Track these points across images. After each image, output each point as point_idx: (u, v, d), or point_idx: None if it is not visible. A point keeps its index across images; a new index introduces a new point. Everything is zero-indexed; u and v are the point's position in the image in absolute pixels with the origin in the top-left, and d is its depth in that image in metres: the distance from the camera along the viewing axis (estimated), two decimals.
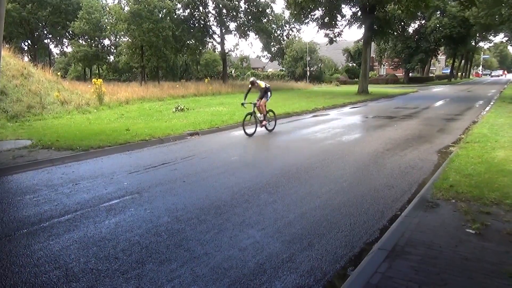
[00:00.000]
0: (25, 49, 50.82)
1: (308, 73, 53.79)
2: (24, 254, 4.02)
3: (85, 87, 21.56)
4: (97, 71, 56.49)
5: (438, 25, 50.89)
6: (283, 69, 60.51)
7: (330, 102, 22.00)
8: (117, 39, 48.58)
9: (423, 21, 53.31)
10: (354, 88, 34.12)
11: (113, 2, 39.83)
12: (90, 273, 3.61)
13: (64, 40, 53.01)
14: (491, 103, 20.68)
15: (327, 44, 34.92)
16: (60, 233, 4.53)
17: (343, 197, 5.70)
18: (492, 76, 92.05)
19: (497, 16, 29.26)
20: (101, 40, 50.17)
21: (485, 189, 5.39)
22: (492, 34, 55.03)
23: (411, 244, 3.90)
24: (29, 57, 47.74)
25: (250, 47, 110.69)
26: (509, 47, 77.98)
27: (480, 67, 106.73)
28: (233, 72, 64.28)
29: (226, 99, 23.51)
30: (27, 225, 4.78)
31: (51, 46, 56.57)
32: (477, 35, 56.09)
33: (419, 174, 6.94)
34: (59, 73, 23.74)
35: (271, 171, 7.22)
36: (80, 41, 49.48)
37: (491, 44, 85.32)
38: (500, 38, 60.67)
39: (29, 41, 49.88)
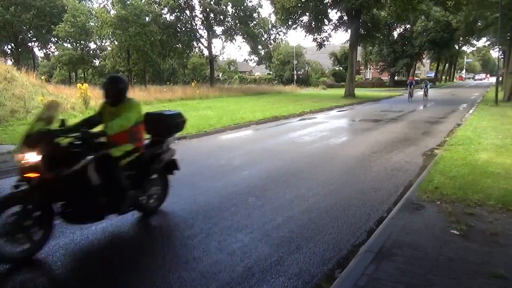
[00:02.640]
0: (8, 52, 49.97)
1: (295, 77, 54.08)
2: None
3: (71, 91, 21.25)
4: (82, 75, 55.84)
5: (422, 30, 51.73)
6: (271, 72, 60.73)
7: (317, 105, 22.14)
8: (103, 43, 48.13)
9: (408, 26, 54.12)
10: (341, 91, 34.41)
11: (99, 5, 39.55)
12: (77, 281, 3.56)
13: (49, 43, 52.31)
14: (475, 106, 21.10)
15: (317, 50, 35.07)
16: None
17: (330, 200, 5.75)
18: (475, 80, 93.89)
19: (479, 22, 29.94)
20: (87, 44, 49.65)
21: (469, 190, 5.50)
22: (475, 39, 56.15)
23: (397, 246, 3.96)
24: (13, 60, 46.93)
25: (238, 50, 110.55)
26: (491, 51, 79.69)
27: (464, 71, 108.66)
28: (220, 75, 64.25)
29: (213, 103, 23.48)
30: None
31: (35, 50, 55.84)
32: (460, 39, 57.14)
33: (404, 176, 7.04)
34: (43, 77, 23.41)
35: (259, 175, 7.23)
36: (65, 44, 48.87)
37: (474, 48, 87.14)
38: (482, 42, 61.93)
39: (12, 44, 49.05)
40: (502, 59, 41.14)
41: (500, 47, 29.11)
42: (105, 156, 4.27)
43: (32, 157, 3.73)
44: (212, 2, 38.02)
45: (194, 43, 40.66)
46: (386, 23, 44.91)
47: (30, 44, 52.22)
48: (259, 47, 41.89)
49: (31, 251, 3.89)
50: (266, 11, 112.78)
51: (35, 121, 4.04)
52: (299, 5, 28.40)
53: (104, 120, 4.61)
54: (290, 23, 32.11)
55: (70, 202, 4.10)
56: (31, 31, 49.13)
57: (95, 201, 4.11)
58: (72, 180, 3.93)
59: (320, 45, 33.53)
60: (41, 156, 3.74)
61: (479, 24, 30.03)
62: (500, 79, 30.67)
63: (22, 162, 3.78)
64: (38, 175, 3.73)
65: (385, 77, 62.79)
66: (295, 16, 30.98)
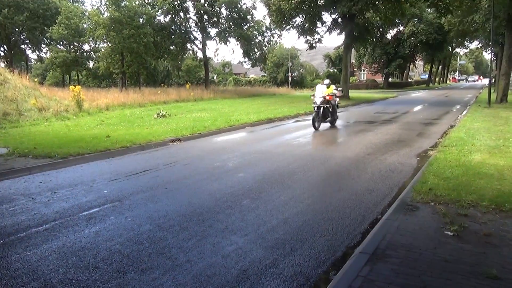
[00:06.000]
0: (1, 54, 49.56)
1: (290, 79, 54.15)
2: (0, 266, 3.90)
3: (64, 93, 21.13)
4: (76, 77, 55.48)
5: (414, 31, 52.09)
6: (265, 74, 60.78)
7: (312, 107, 22.15)
8: (97, 45, 47.85)
9: (401, 28, 54.51)
10: None
11: (92, 7, 39.35)
12: (69, 284, 3.53)
13: (42, 45, 51.95)
14: (468, 107, 21.25)
15: (306, 50, 35.26)
16: (38, 243, 4.42)
17: (325, 202, 5.75)
18: (468, 81, 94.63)
19: (469, 24, 30.22)
20: (81, 46, 49.35)
21: (462, 191, 5.53)
22: (468, 40, 56.61)
23: (391, 247, 3.96)
24: (5, 62, 46.54)
25: (232, 53, 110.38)
26: (484, 53, 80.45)
27: (457, 73, 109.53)
28: (215, 77, 64.18)
29: (208, 105, 23.44)
30: (3, 236, 4.65)
31: (28, 52, 55.41)
32: (453, 41, 57.60)
33: (399, 177, 7.06)
34: (36, 79, 23.26)
35: (254, 177, 7.22)
36: (59, 46, 48.54)
37: (467, 50, 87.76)
38: (475, 44, 62.41)
39: (5, 47, 48.62)
40: (494, 61, 41.54)
41: (492, 49, 29.32)
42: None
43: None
44: (206, 4, 38.00)
45: (188, 45, 40.59)
46: (377, 26, 45.29)
47: (23, 46, 51.82)
48: (255, 50, 41.88)
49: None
50: (260, 13, 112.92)
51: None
52: (296, 8, 28.52)
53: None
54: (284, 24, 32.22)
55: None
56: (24, 33, 48.76)
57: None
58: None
59: (311, 47, 33.69)
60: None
61: (471, 26, 30.32)
62: (493, 81, 30.93)
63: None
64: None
65: (379, 78, 63.10)
66: (289, 18, 31.08)
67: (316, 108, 13.47)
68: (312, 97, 14.04)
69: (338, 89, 16.05)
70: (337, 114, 14.84)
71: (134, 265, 3.86)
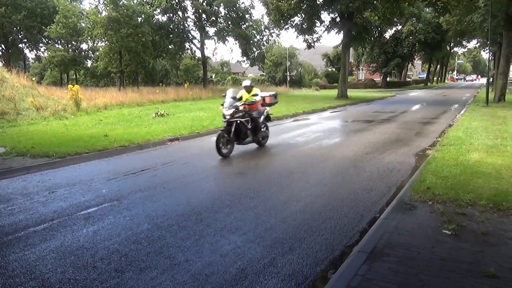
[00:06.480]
0: None
1: (288, 78, 54.16)
2: None
3: (62, 93, 21.09)
4: (74, 77, 55.36)
5: (412, 31, 52.18)
6: (264, 74, 60.77)
7: (310, 106, 22.20)
8: (95, 44, 47.74)
9: (399, 27, 54.57)
10: (334, 92, 34.54)
11: (90, 6, 39.27)
12: (68, 283, 3.52)
13: (40, 44, 51.80)
14: (466, 106, 21.29)
15: (305, 49, 35.28)
16: (36, 242, 4.41)
17: (323, 201, 5.76)
18: (466, 81, 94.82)
19: (467, 24, 30.28)
20: (79, 45, 49.23)
21: (460, 190, 5.54)
22: (466, 40, 56.73)
23: (389, 246, 3.97)
24: (3, 62, 46.39)
25: (230, 52, 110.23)
26: (482, 52, 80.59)
27: (455, 72, 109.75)
28: (213, 77, 64.13)
29: (206, 104, 23.43)
30: (1, 235, 4.64)
31: (26, 51, 55.23)
32: (452, 40, 57.72)
33: (397, 177, 7.07)
34: (34, 78, 23.18)
35: (252, 176, 7.23)
36: (57, 45, 48.41)
37: (465, 50, 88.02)
38: (473, 43, 62.55)
39: (2, 46, 48.47)
40: (492, 61, 41.62)
41: (490, 48, 29.39)
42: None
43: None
44: (204, 3, 37.97)
45: (186, 44, 40.57)
46: (376, 25, 45.33)
47: (20, 45, 51.66)
48: (253, 49, 41.89)
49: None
50: (259, 12, 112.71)
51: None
52: (296, 7, 28.56)
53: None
54: (282, 24, 32.24)
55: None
56: (21, 32, 48.61)
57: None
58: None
59: (310, 46, 33.72)
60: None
61: (470, 26, 30.38)
62: (491, 80, 31.00)
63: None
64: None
65: (377, 78, 63.17)
66: (288, 17, 31.10)
67: (225, 124, 9.16)
68: (221, 107, 9.49)
69: (270, 93, 11.08)
70: (268, 129, 10.58)
71: (132, 265, 3.86)
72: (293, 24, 32.75)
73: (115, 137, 10.91)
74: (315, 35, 33.52)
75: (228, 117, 9.07)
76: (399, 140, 11.05)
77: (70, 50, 48.10)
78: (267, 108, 10.60)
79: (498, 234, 4.21)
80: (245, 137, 9.48)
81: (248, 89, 10.07)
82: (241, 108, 9.41)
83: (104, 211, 5.42)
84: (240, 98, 9.78)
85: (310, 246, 4.22)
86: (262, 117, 10.12)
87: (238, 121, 9.21)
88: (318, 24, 32.93)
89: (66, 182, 6.98)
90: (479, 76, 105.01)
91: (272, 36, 42.83)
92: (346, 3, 26.67)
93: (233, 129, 9.05)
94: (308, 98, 31.40)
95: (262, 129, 10.05)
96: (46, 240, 4.48)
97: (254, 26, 40.42)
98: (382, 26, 48.46)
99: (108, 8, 33.26)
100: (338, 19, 32.10)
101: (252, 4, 39.20)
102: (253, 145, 10.26)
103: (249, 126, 9.56)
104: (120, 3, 33.80)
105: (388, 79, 62.13)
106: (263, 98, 10.56)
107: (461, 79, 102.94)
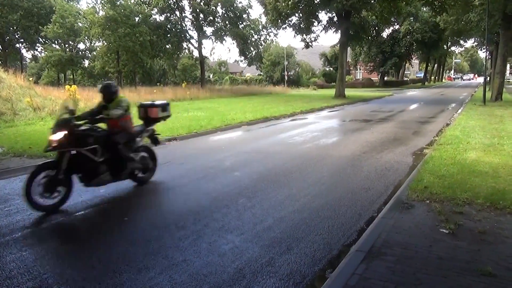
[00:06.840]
0: None
1: (286, 78, 54.18)
2: None
3: (59, 93, 21.02)
4: (71, 77, 55.23)
5: (410, 30, 52.29)
6: (261, 73, 60.75)
7: (308, 106, 22.21)
8: (92, 44, 47.67)
9: (396, 26, 54.68)
10: (331, 92, 34.56)
11: (87, 6, 39.22)
12: (66, 284, 3.52)
13: (37, 44, 51.65)
14: (463, 106, 21.35)
15: (302, 49, 35.34)
16: (34, 243, 4.40)
17: (321, 200, 5.76)
18: (463, 80, 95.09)
19: (465, 23, 30.39)
20: (76, 45, 49.15)
21: (457, 189, 5.56)
22: (463, 39, 56.86)
23: (387, 245, 3.98)
24: (0, 62, 46.25)
25: (228, 52, 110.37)
26: (479, 51, 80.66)
27: (452, 71, 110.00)
28: (211, 76, 64.11)
29: (204, 104, 23.41)
30: None
31: (23, 51, 55.08)
32: (449, 39, 57.85)
33: (394, 176, 7.08)
34: (31, 79, 23.14)
35: (250, 176, 7.22)
36: (54, 45, 48.30)
37: (462, 49, 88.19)
38: (470, 43, 62.73)
39: None
40: (489, 60, 41.76)
41: (487, 47, 29.48)
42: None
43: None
44: (202, 3, 37.96)
45: (184, 44, 40.54)
46: (373, 25, 45.40)
47: (17, 45, 51.52)
48: (251, 48, 41.91)
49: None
50: (257, 12, 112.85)
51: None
52: (293, 7, 28.60)
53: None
54: (280, 23, 32.27)
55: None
56: (18, 32, 48.47)
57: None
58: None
59: (307, 45, 33.76)
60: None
61: (467, 25, 30.50)
62: (488, 79, 31.09)
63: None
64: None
65: (375, 77, 63.27)
66: (285, 16, 31.14)
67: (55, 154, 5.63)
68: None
69: (158, 103, 7.21)
70: (155, 158, 6.95)
71: (130, 265, 3.85)
72: (291, 24, 32.79)
73: None
74: (312, 35, 33.61)
75: (55, 144, 5.32)
76: (396, 139, 11.07)
77: (67, 50, 48.00)
78: (153, 125, 7.09)
79: (495, 233, 4.23)
80: (94, 176, 5.74)
81: (109, 95, 6.13)
82: (83, 127, 5.75)
83: (101, 211, 5.41)
84: (95, 113, 6.04)
85: (308, 246, 4.22)
86: (140, 140, 6.63)
87: (75, 152, 5.50)
88: (315, 23, 32.98)
89: None
90: (476, 75, 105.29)
91: (269, 36, 42.89)
92: (342, 1, 26.71)
93: (64, 165, 5.36)
94: (305, 97, 31.41)
95: (135, 159, 6.36)
96: (44, 241, 4.47)
97: (252, 26, 40.44)
98: (380, 26, 48.55)
99: (105, 7, 33.21)
100: (335, 19, 32.15)
101: (249, 3, 39.32)
102: (251, 145, 10.24)
103: (100, 159, 5.69)
104: (118, 2, 33.75)
105: (385, 78, 62.22)
106: (146, 110, 6.95)
107: (458, 78, 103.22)
